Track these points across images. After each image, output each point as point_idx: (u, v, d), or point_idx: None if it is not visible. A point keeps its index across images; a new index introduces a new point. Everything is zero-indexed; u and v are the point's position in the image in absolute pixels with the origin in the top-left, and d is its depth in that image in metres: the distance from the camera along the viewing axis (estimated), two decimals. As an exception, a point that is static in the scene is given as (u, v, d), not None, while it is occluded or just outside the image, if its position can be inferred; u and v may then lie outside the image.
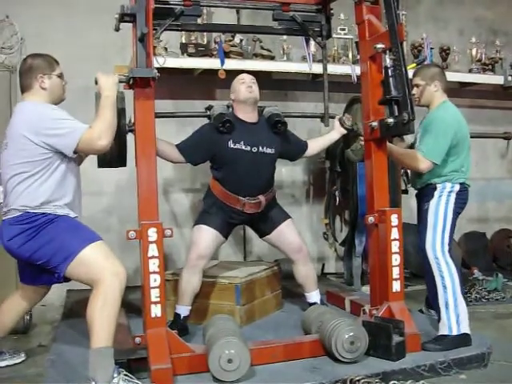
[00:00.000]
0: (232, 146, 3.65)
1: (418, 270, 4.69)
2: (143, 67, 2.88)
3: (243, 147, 3.66)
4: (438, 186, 3.42)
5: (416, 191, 3.67)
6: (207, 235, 3.67)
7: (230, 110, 3.82)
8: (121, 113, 3.14)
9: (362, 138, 3.63)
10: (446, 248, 3.35)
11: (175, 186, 5.24)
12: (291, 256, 3.90)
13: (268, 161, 3.78)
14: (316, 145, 4.06)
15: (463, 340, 3.22)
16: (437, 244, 3.35)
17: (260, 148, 3.70)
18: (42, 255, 2.79)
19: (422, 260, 3.46)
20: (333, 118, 4.08)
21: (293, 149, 3.98)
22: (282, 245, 3.90)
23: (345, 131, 3.98)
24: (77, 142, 2.78)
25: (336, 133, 4.00)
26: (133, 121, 3.10)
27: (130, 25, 3.00)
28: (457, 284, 3.29)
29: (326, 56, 3.96)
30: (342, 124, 3.97)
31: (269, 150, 3.74)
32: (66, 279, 2.91)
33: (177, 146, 3.66)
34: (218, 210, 3.74)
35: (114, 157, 3.23)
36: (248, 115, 3.75)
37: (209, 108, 3.87)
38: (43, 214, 2.81)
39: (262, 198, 3.74)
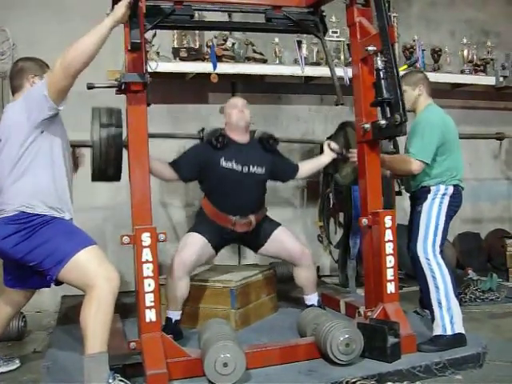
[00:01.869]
0: (224, 164, 3.73)
1: (413, 271, 4.70)
2: (135, 72, 2.88)
3: (234, 166, 3.73)
4: (431, 188, 3.45)
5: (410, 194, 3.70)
6: (195, 241, 3.67)
7: (223, 132, 3.87)
8: (118, 126, 3.15)
9: (353, 160, 3.76)
10: (438, 250, 3.37)
11: (170, 190, 5.23)
12: (294, 262, 3.91)
13: (258, 181, 3.86)
14: (307, 167, 4.18)
15: (458, 340, 3.23)
16: (428, 246, 3.37)
17: (251, 167, 3.78)
18: (36, 257, 2.77)
19: (411, 261, 3.49)
20: (322, 144, 4.24)
21: (284, 169, 4.09)
22: (281, 252, 3.91)
23: (335, 155, 4.11)
24: (45, 83, 2.75)
25: (326, 157, 4.14)
26: None
27: (122, 29, 2.99)
28: (449, 284, 3.30)
29: (325, 46, 3.91)
30: (331, 149, 4.09)
31: (259, 170, 3.82)
32: (58, 282, 2.88)
33: (169, 163, 3.73)
34: (210, 224, 3.77)
35: (108, 170, 3.21)
36: (240, 137, 3.84)
37: (201, 130, 3.97)
38: (39, 215, 2.79)
39: (252, 217, 3.80)
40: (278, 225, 3.96)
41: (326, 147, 4.13)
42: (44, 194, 2.84)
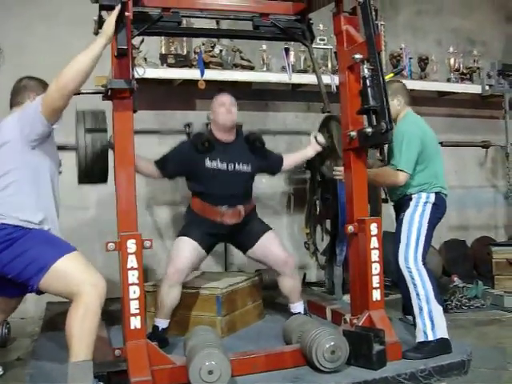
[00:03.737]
0: (208, 164, 3.74)
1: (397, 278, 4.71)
2: (122, 78, 2.87)
3: (219, 165, 3.74)
4: (413, 196, 3.49)
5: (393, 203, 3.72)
6: (187, 247, 3.69)
7: (209, 127, 3.90)
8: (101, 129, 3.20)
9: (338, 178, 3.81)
10: (419, 258, 3.39)
11: (156, 197, 5.21)
12: (278, 269, 3.90)
13: (245, 177, 3.86)
14: (291, 159, 4.20)
15: (443, 346, 3.23)
16: (409, 254, 3.39)
17: (236, 165, 3.79)
18: (13, 268, 2.74)
19: (395, 268, 3.50)
20: (309, 134, 4.22)
21: (270, 164, 4.10)
22: (266, 259, 3.90)
23: (320, 148, 4.11)
24: (40, 101, 2.76)
25: (311, 149, 4.15)
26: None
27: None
28: (430, 290, 3.32)
29: (312, 53, 3.92)
30: (317, 141, 4.09)
31: (245, 168, 3.83)
32: (40, 292, 2.86)
33: (155, 161, 3.75)
34: (199, 223, 3.78)
35: (94, 172, 3.24)
36: (225, 135, 3.83)
37: (188, 125, 3.95)
38: (18, 226, 2.77)
39: (240, 207, 3.79)
40: (268, 228, 3.96)
41: (312, 139, 4.14)
42: (25, 207, 2.81)
